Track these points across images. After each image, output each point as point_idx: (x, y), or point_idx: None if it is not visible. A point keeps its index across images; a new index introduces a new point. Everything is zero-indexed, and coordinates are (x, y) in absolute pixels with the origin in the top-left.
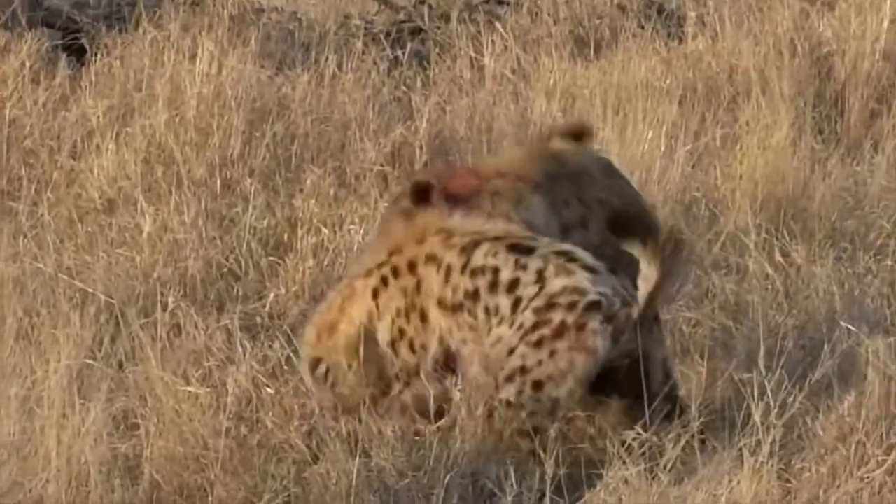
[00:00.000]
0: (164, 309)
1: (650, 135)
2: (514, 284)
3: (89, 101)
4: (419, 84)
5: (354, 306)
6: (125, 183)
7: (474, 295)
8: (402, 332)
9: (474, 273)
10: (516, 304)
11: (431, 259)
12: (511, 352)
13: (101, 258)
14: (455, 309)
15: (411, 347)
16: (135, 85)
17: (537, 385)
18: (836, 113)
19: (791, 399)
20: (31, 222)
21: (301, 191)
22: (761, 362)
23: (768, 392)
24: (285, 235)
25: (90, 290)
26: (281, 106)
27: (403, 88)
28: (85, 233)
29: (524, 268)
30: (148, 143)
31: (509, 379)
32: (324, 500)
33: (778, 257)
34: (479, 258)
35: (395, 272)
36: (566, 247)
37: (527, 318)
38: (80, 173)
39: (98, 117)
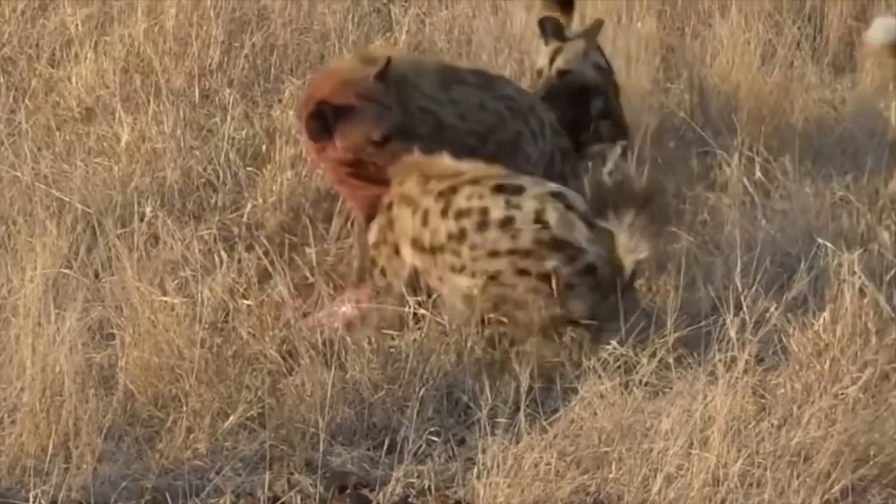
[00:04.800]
0: (141, 218)
1: (631, 49)
2: (508, 222)
3: (68, 10)
4: None
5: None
6: (103, 92)
7: (460, 235)
8: (373, 261)
9: (459, 215)
10: (514, 237)
11: (407, 201)
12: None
13: (79, 167)
14: (435, 250)
15: (383, 274)
16: None
17: (503, 300)
18: (815, 29)
19: (767, 315)
20: (8, 130)
21: (280, 101)
22: (738, 278)
23: (744, 308)
24: (263, 146)
25: (67, 199)
26: (260, 16)
27: (383, 0)
28: (62, 141)
29: (517, 207)
30: (127, 52)
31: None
32: (298, 412)
33: (757, 173)
34: (461, 201)
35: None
36: (556, 187)
37: (524, 241)
38: (58, 82)
39: (77, 25)
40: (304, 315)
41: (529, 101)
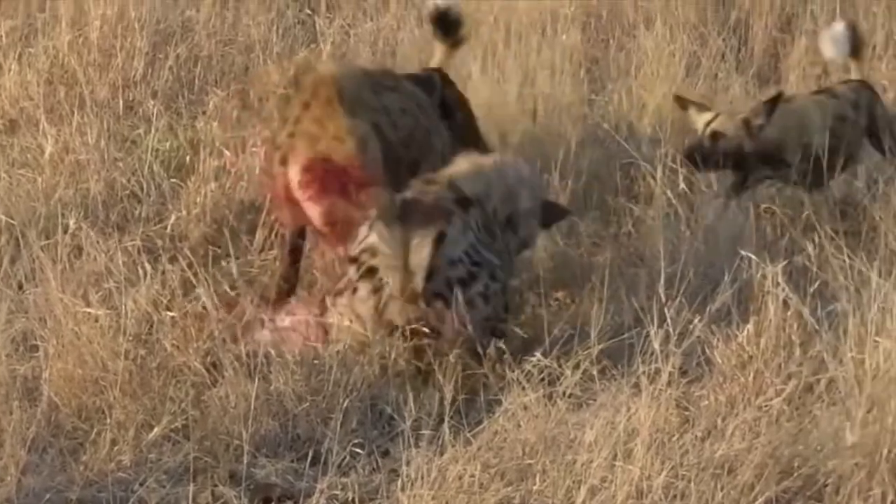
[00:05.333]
0: (65, 230)
1: (556, 61)
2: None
3: None
4: (323, 7)
5: None
6: (27, 103)
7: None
8: None
9: None
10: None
11: None
12: None
13: (3, 179)
14: None
15: None
16: (38, 5)
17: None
18: (740, 41)
19: (691, 327)
20: None
21: (204, 113)
22: (661, 290)
23: (668, 320)
24: (187, 158)
25: None
26: (185, 28)
27: (308, 11)
28: None
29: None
30: (51, 63)
31: None
32: (222, 423)
33: (681, 184)
34: None
35: None
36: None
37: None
38: None
39: (1, 37)
40: (230, 327)
41: (424, 96)
